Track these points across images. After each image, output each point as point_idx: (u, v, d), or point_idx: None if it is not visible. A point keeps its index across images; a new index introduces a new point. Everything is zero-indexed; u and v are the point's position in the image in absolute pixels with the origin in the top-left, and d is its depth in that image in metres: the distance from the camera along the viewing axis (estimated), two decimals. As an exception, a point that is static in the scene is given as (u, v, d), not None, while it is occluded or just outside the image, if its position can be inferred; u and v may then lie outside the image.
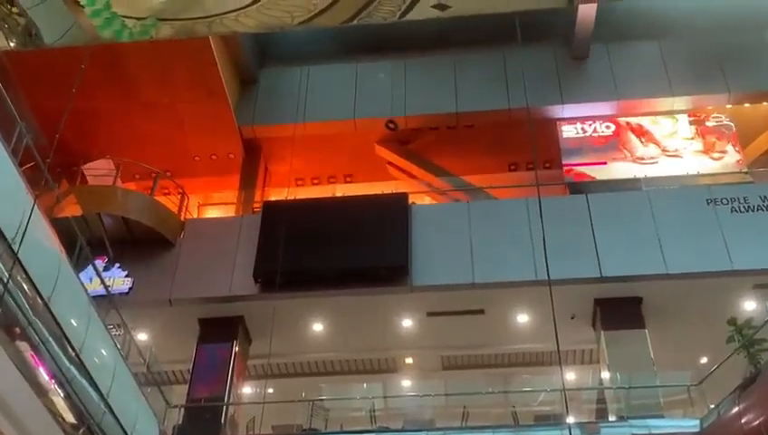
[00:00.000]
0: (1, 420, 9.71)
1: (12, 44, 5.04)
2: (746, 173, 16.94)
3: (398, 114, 18.58)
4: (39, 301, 8.75)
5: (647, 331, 14.35)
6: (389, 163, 19.57)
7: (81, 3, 4.38)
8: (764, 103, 18.39)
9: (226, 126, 18.48)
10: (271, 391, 17.00)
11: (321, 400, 15.76)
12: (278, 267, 14.02)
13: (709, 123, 17.86)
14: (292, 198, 18.50)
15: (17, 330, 8.70)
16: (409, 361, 17.26)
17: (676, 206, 15.37)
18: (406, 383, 17.47)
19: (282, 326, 14.74)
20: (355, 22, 3.89)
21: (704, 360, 14.78)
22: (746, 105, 18.31)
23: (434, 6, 3.64)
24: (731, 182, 16.32)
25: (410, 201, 16.41)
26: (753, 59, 18.02)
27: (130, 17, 4.83)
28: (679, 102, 18.19)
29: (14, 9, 5.05)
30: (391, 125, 18.64)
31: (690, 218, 14.94)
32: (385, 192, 18.94)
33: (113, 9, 4.25)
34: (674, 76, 18.10)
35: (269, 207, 16.77)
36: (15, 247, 7.89)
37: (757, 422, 10.24)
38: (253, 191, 19.08)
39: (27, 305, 8.61)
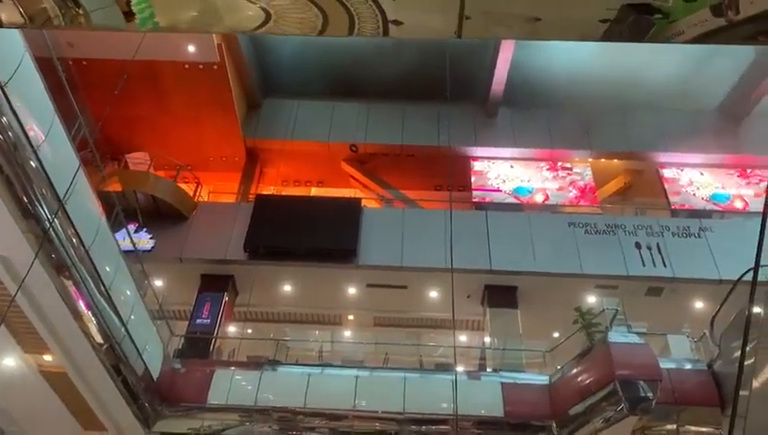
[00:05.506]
0: (46, 336, 9.50)
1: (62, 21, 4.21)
2: (597, 207, 17.05)
3: (359, 141, 18.39)
4: (81, 248, 8.40)
5: (518, 311, 14.30)
6: (351, 176, 19.32)
7: (133, 9, 3.90)
8: (614, 160, 18.54)
9: (235, 137, 18.08)
10: (249, 331, 16.69)
11: (285, 340, 15.35)
12: (262, 242, 14.39)
13: (577, 169, 17.91)
14: (278, 193, 18.61)
15: (64, 269, 8.41)
16: (351, 317, 16.96)
17: (547, 225, 15.32)
18: (347, 333, 17.15)
19: (260, 285, 14.69)
20: (354, 35, 3.46)
21: (556, 334, 14.60)
22: (602, 160, 18.43)
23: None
24: (586, 213, 16.39)
25: (363, 204, 16.18)
26: (609, 128, 18.24)
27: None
28: (556, 154, 18.13)
29: None
30: (354, 148, 18.44)
31: (556, 235, 14.91)
32: (345, 196, 18.43)
33: (156, 19, 3.75)
34: (554, 135, 18.11)
35: (260, 199, 16.43)
36: (62, 198, 7.61)
37: (588, 381, 10.51)
38: (249, 186, 18.71)
39: (72, 250, 8.28)
